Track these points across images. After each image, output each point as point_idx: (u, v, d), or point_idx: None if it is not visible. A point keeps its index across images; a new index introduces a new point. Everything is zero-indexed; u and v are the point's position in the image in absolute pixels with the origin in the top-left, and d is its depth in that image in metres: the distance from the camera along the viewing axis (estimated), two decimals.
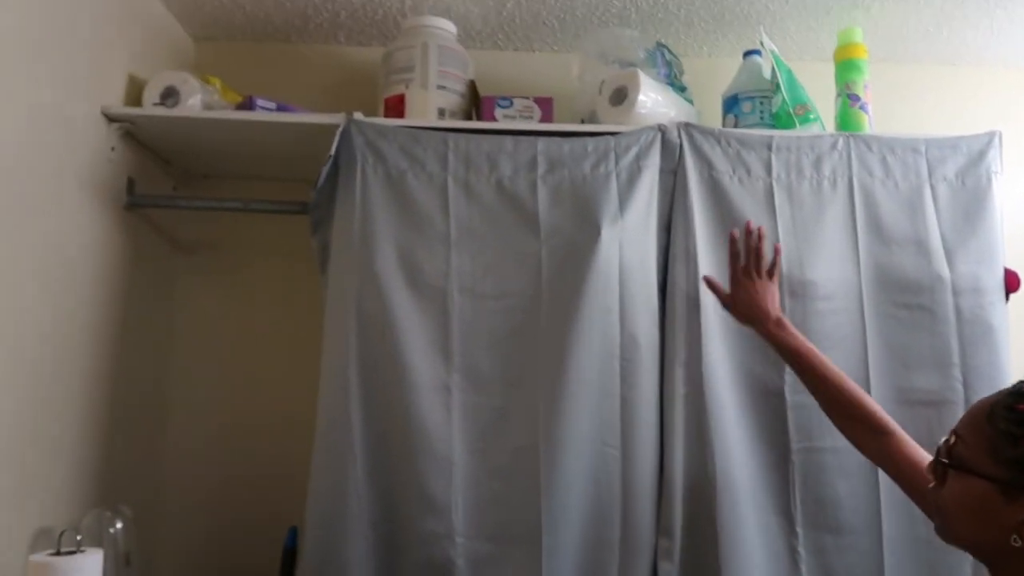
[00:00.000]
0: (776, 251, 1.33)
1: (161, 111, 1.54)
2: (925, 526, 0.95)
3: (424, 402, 1.37)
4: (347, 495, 1.35)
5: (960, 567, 1.35)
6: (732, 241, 1.33)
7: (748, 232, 1.32)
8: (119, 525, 1.41)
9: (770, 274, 1.32)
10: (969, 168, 1.52)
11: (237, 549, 1.69)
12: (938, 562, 1.35)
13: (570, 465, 1.35)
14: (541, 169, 1.47)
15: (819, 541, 1.39)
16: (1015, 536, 0.87)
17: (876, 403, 1.21)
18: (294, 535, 1.45)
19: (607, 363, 1.39)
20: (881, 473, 1.34)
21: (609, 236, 1.41)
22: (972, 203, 1.50)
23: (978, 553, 0.96)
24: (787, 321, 1.29)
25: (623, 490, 1.36)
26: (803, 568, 1.37)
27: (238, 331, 1.82)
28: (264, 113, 1.56)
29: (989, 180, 1.52)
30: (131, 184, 1.60)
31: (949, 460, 0.93)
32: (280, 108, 1.58)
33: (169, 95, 1.56)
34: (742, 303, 1.32)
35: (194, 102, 1.55)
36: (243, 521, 1.72)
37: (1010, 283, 1.48)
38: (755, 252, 1.31)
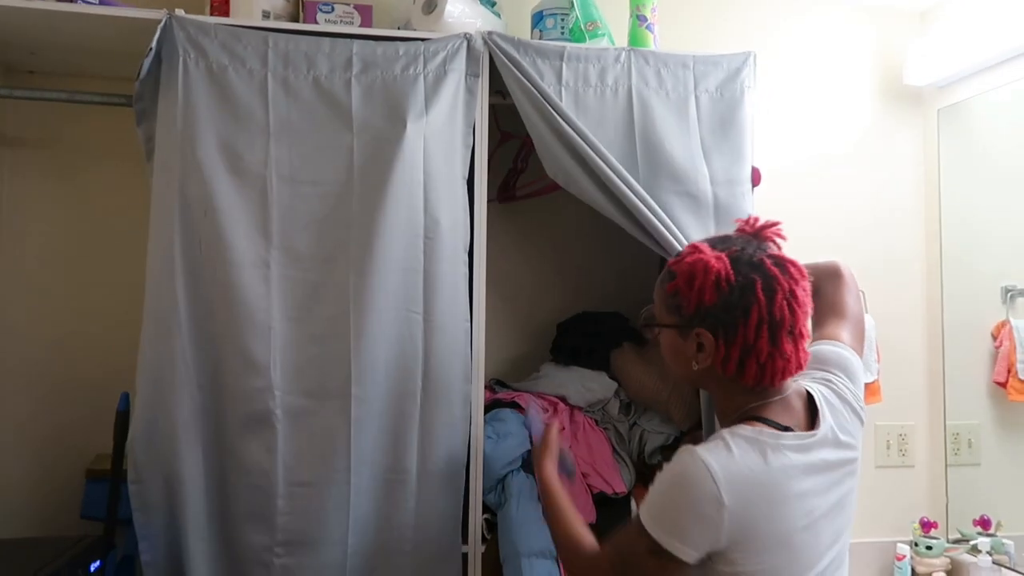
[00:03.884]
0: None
1: None
2: None
3: (245, 277, 1.51)
4: (175, 361, 1.49)
5: None
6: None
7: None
8: None
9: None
10: (727, 82, 1.78)
11: (73, 416, 1.86)
12: None
13: (377, 329, 1.54)
14: (355, 69, 1.60)
15: None
16: (693, 362, 1.15)
17: None
18: (126, 400, 1.57)
19: (411, 242, 1.57)
20: None
21: (414, 131, 1.58)
22: (727, 111, 1.77)
23: (694, 384, 1.25)
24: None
25: (424, 348, 1.57)
26: None
27: (69, 222, 1.91)
28: (86, 5, 1.60)
29: (743, 92, 1.78)
30: None
31: (646, 322, 1.24)
32: (103, 2, 1.63)
33: None
34: None
35: None
36: (79, 390, 1.86)
37: (754, 178, 1.78)
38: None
